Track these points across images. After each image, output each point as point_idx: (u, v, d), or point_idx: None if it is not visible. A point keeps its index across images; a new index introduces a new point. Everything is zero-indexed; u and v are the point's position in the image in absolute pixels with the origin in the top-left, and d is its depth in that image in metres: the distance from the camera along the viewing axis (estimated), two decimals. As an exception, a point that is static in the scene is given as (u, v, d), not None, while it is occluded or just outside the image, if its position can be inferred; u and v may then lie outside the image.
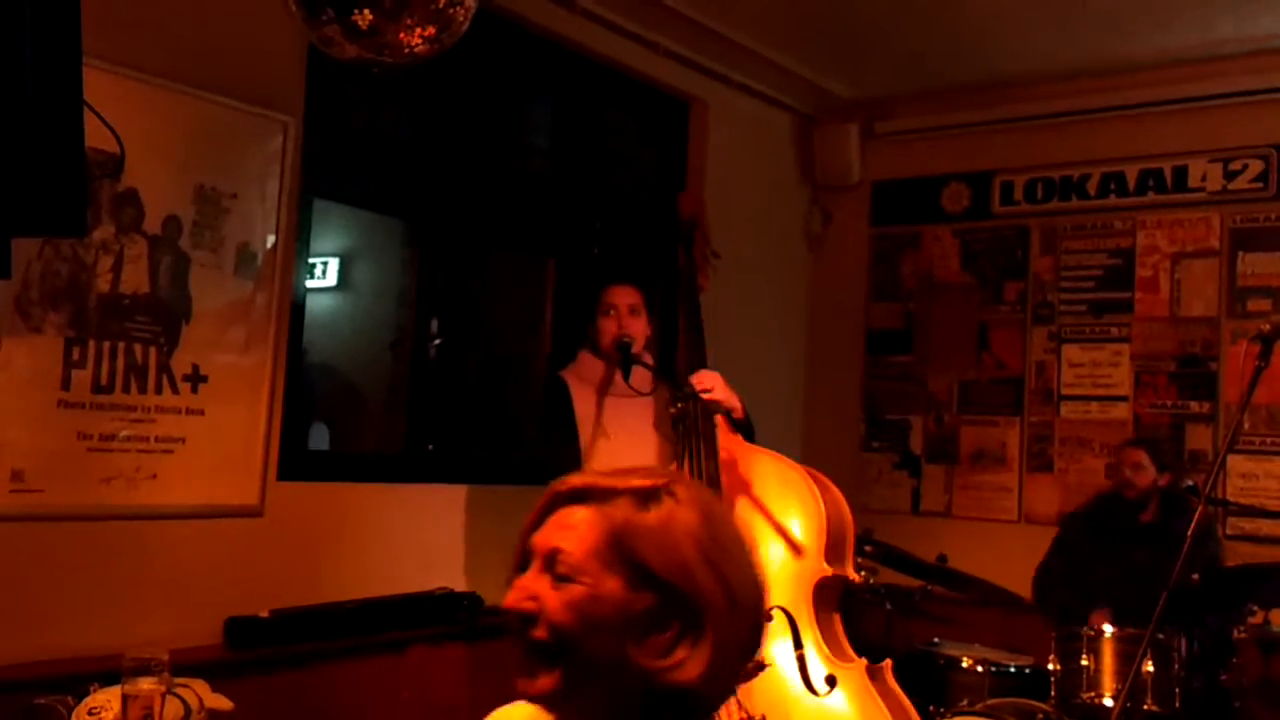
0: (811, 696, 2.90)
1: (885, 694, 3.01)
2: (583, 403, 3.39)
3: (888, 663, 3.08)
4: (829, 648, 2.94)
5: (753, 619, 1.21)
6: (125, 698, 2.35)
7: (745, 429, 3.43)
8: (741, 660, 1.21)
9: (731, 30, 4.76)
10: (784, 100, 5.47)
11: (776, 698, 2.95)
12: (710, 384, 3.24)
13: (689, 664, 1.15)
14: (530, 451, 4.42)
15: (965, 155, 5.44)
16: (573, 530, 1.18)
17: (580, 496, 1.20)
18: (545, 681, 1.17)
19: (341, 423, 4.43)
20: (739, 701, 2.96)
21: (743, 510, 3.12)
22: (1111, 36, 4.64)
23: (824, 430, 5.51)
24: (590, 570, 1.16)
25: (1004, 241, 5.32)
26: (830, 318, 5.73)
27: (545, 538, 1.19)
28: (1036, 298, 5.21)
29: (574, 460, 3.37)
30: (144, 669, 2.35)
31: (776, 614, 2.99)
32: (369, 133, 3.97)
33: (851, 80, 5.40)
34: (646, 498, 1.19)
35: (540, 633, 1.16)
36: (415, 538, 3.78)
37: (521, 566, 1.21)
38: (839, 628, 3.09)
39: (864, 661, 2.99)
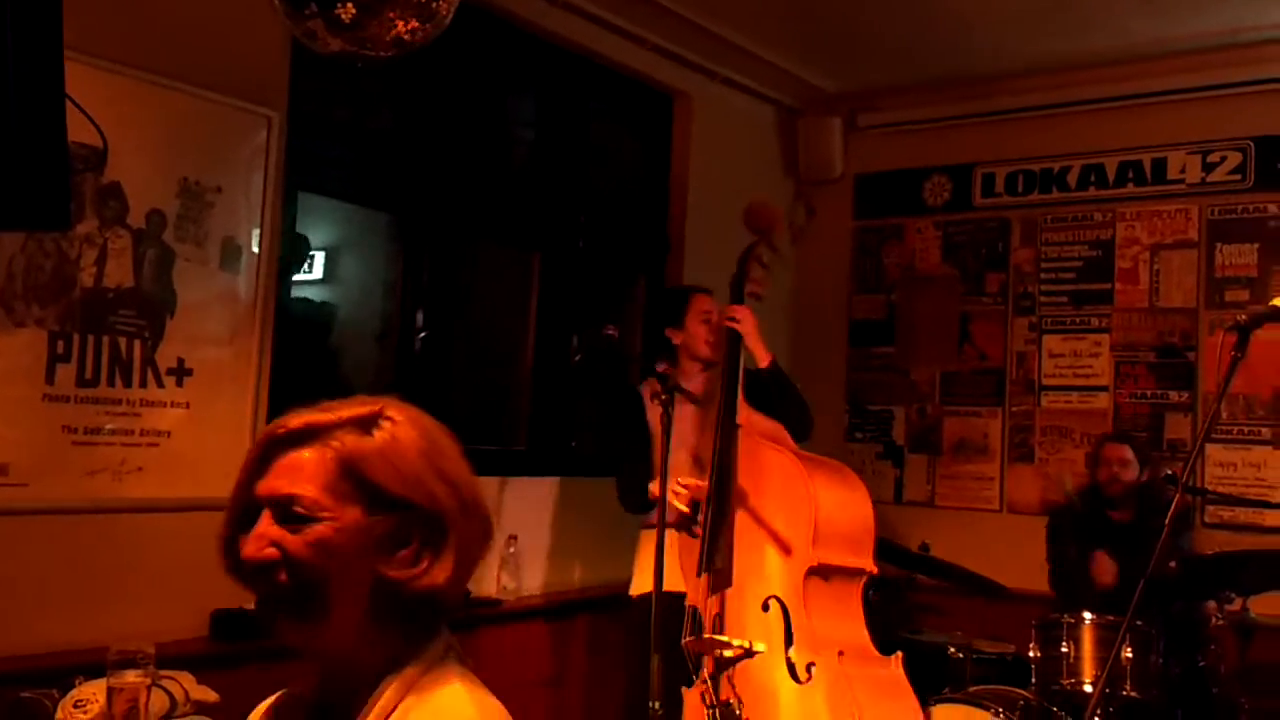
0: (794, 684, 2.92)
1: (888, 684, 3.03)
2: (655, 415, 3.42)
3: (898, 655, 3.10)
4: (819, 638, 2.96)
5: (483, 514, 1.26)
6: (110, 690, 2.36)
7: (776, 382, 3.44)
8: (479, 555, 1.26)
9: (716, 24, 4.77)
10: (768, 94, 5.49)
11: (764, 682, 2.97)
12: (742, 316, 3.32)
13: (435, 569, 1.21)
14: (519, 443, 4.46)
15: (946, 148, 5.47)
16: (301, 471, 1.19)
17: (300, 438, 1.22)
18: (294, 627, 1.19)
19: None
20: (730, 682, 2.99)
21: (742, 497, 3.13)
22: (1091, 30, 4.68)
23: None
24: (329, 505, 1.18)
25: (985, 233, 5.36)
26: (814, 310, 5.76)
27: (272, 485, 1.20)
28: (1017, 289, 5.25)
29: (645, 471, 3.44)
30: (129, 662, 2.36)
31: (771, 603, 3.01)
32: (353, 126, 3.97)
33: (835, 74, 5.43)
34: (366, 424, 1.22)
35: (283, 577, 1.17)
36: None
37: (245, 519, 1.21)
38: (846, 619, 3.09)
39: (866, 651, 3.01)
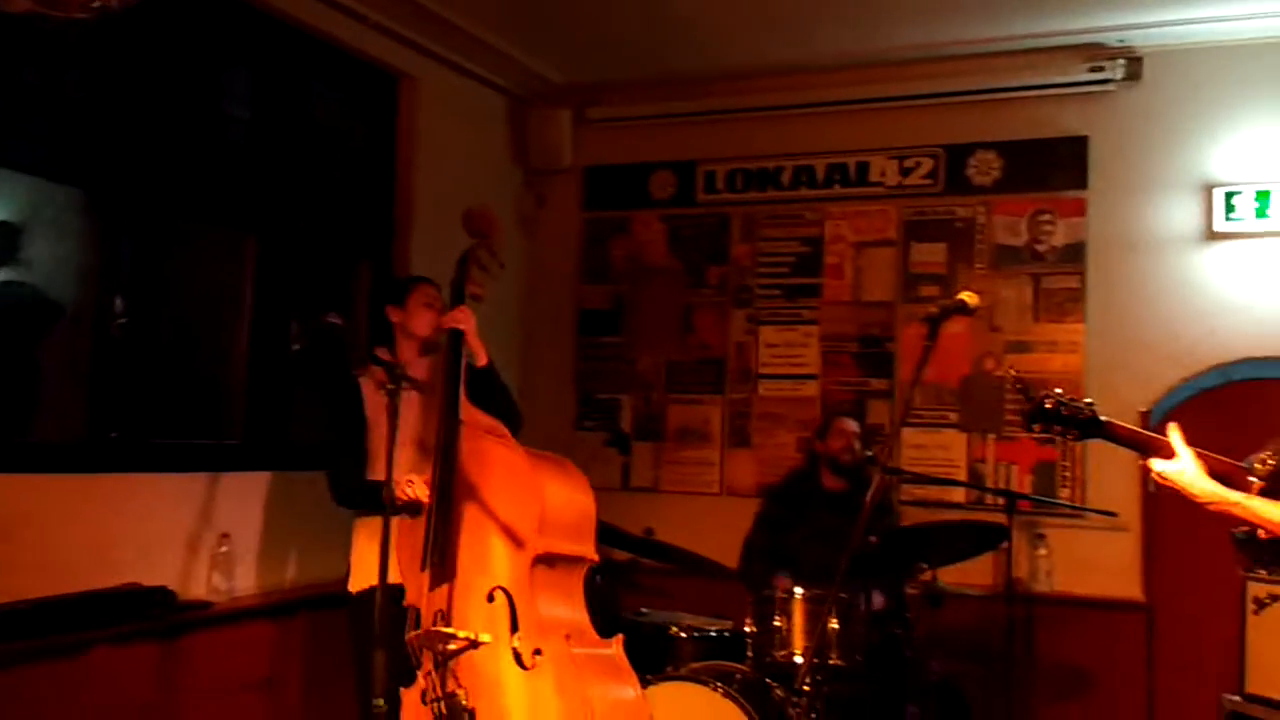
0: (520, 670, 2.93)
1: (611, 666, 3.08)
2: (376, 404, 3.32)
3: (619, 637, 3.15)
4: (545, 624, 2.97)
5: None
6: None
7: (488, 381, 3.45)
8: None
9: (443, 8, 4.70)
10: (497, 81, 5.47)
11: (488, 672, 2.96)
12: (462, 316, 3.36)
13: None
14: (233, 437, 4.22)
15: (672, 144, 5.64)
16: None
17: None
18: None
19: (13, 410, 4.03)
20: (453, 674, 2.96)
21: (467, 491, 3.10)
22: (806, 38, 4.95)
23: (538, 410, 5.55)
24: None
25: (707, 228, 5.57)
26: (544, 299, 5.80)
27: None
28: (736, 282, 5.48)
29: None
30: None
31: (496, 594, 3.00)
32: (43, 93, 3.62)
33: (564, 66, 5.47)
34: None
35: None
36: (99, 532, 3.51)
37: None
38: (569, 605, 3.12)
39: (589, 635, 3.06)
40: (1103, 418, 2.48)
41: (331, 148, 4.83)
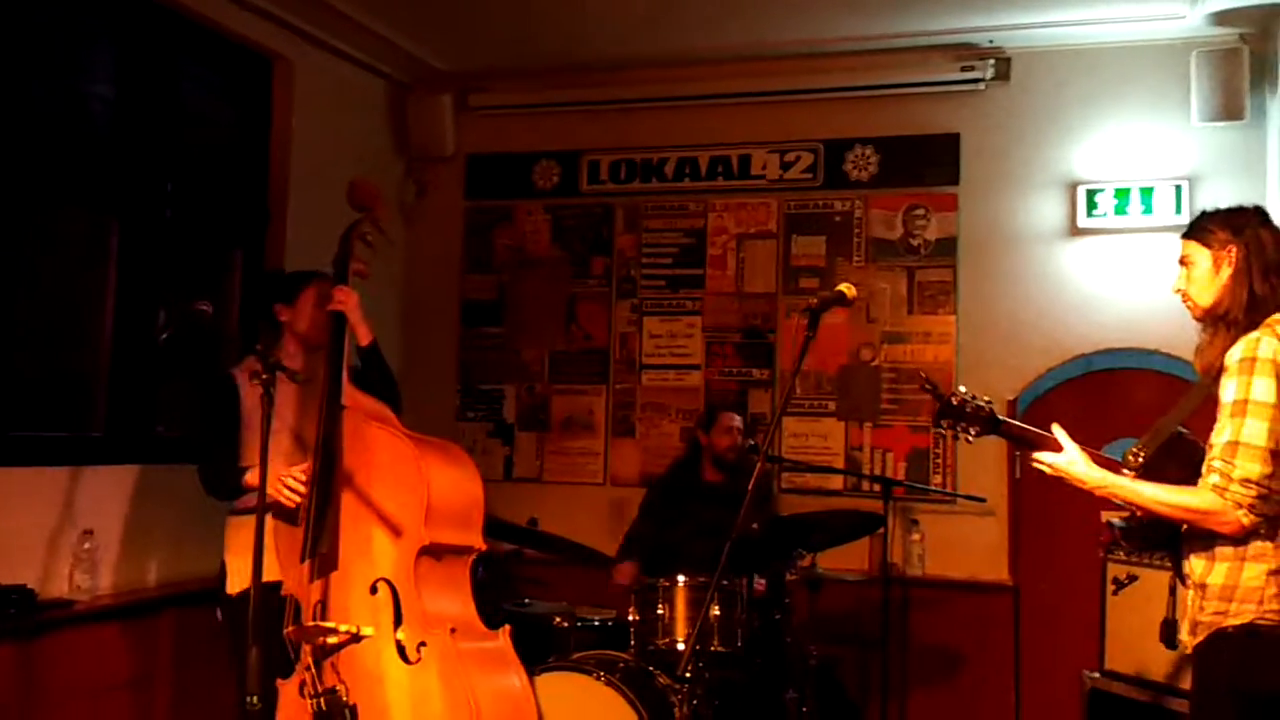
0: (404, 664, 2.88)
1: (497, 657, 3.05)
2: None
3: (505, 629, 3.13)
4: (430, 616, 2.93)
5: None
6: None
7: (372, 361, 3.37)
8: None
9: (319, -12, 4.58)
10: (377, 66, 5.36)
11: (370, 666, 2.90)
12: (345, 296, 3.28)
13: None
14: (95, 429, 4.05)
15: (556, 134, 5.61)
16: None
17: None
18: None
19: None
20: (334, 669, 2.89)
21: (349, 479, 3.03)
22: (690, 32, 4.98)
23: (419, 401, 5.47)
24: None
25: (591, 218, 5.56)
26: (425, 289, 5.71)
27: None
28: (620, 273, 5.49)
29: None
30: None
31: (380, 585, 2.95)
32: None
33: (446, 51, 5.39)
34: None
35: None
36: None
37: None
38: (455, 596, 3.08)
39: (475, 627, 3.03)
40: (1000, 416, 2.64)
41: (202, 130, 4.66)
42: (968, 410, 2.63)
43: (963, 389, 2.67)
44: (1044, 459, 2.57)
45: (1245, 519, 2.34)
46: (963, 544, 4.92)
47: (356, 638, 2.87)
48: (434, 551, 3.00)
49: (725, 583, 3.85)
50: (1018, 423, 2.75)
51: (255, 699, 2.57)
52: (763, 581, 4.15)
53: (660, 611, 3.92)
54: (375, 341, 3.43)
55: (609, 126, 5.53)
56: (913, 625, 4.90)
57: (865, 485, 4.92)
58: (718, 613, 3.87)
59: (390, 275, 5.54)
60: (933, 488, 4.91)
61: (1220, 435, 2.39)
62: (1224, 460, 2.36)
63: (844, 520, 4.30)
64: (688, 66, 5.34)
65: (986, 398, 2.67)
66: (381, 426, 3.09)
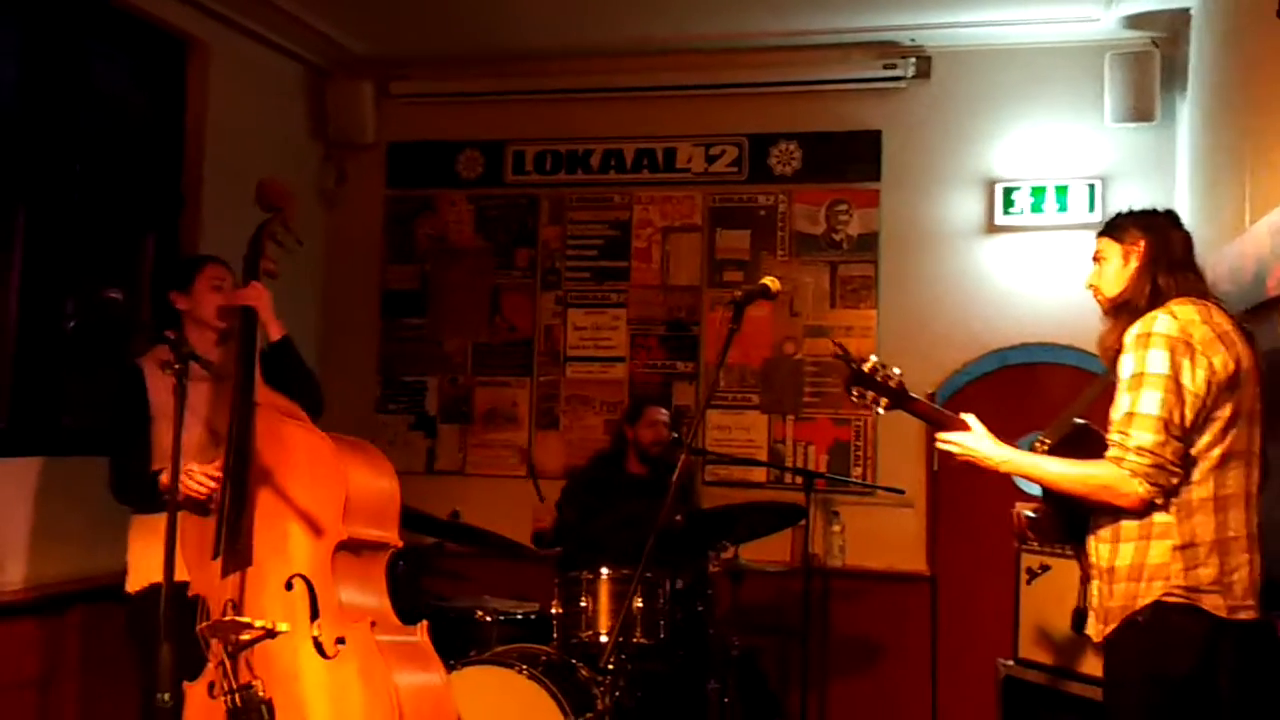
0: (321, 659, 2.83)
1: (415, 653, 3.01)
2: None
3: (423, 624, 3.09)
4: (347, 611, 2.88)
5: None
6: None
7: (285, 358, 3.30)
8: None
9: (236, -31, 4.47)
10: (295, 50, 5.25)
11: (286, 662, 2.85)
12: (256, 293, 3.21)
13: None
14: (1, 421, 3.91)
15: (480, 123, 5.55)
16: None
17: None
18: None
19: None
20: (249, 665, 2.83)
21: (263, 476, 2.96)
22: (616, 22, 4.96)
23: (338, 393, 5.37)
24: None
25: (516, 209, 5.51)
26: (345, 279, 5.62)
27: None
28: (545, 264, 5.46)
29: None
30: None
31: (295, 582, 2.89)
32: None
33: (366, 36, 5.29)
34: None
35: None
36: None
37: None
38: (373, 592, 3.03)
39: (393, 622, 2.98)
40: (910, 392, 2.67)
41: (113, 113, 4.51)
42: (878, 379, 2.64)
43: (874, 358, 2.68)
44: (950, 438, 2.62)
45: (1142, 488, 2.39)
46: (882, 535, 4.99)
47: (271, 633, 2.80)
48: (351, 547, 2.96)
49: (649, 575, 3.86)
50: (925, 401, 2.77)
51: (166, 696, 2.50)
52: (684, 576, 4.16)
53: (583, 604, 3.91)
54: (288, 337, 3.36)
55: (535, 117, 5.48)
56: (833, 615, 4.97)
57: (788, 478, 4.96)
58: (641, 605, 3.87)
59: (308, 265, 5.44)
60: (853, 480, 4.97)
61: (1117, 409, 2.45)
62: (1120, 431, 2.42)
63: (766, 512, 4.34)
64: (614, 58, 5.32)
65: (897, 370, 2.68)
66: (297, 424, 3.04)
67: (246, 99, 4.92)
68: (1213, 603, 2.39)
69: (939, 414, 2.70)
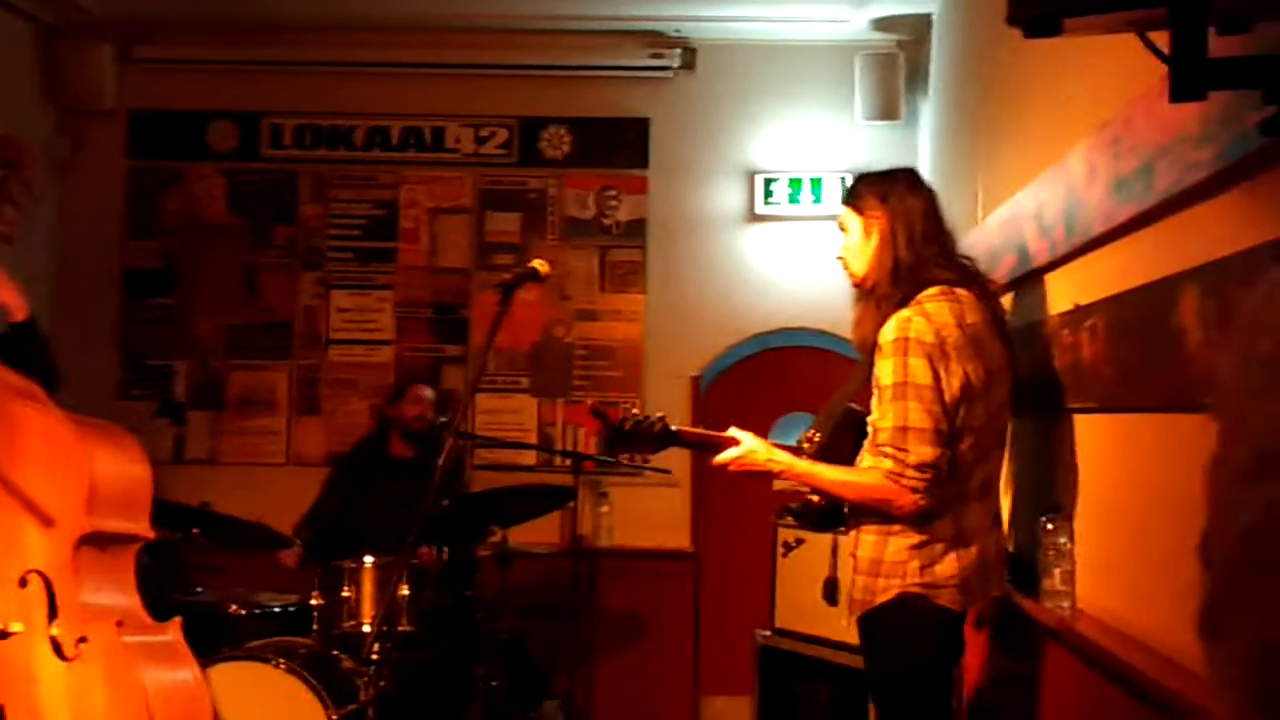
0: (60, 661, 2.62)
1: (167, 651, 2.83)
2: None
3: (176, 620, 2.90)
4: (91, 610, 2.68)
5: None
6: None
7: (27, 338, 3.01)
8: None
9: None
10: (21, 6, 4.81)
11: (20, 665, 2.62)
12: None
13: None
14: None
15: (234, 93, 5.27)
16: None
17: None
18: None
19: None
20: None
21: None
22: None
23: (74, 376, 4.97)
24: None
25: (273, 185, 5.27)
26: (81, 254, 5.22)
27: None
28: (306, 243, 5.25)
29: None
30: None
31: (31, 578, 2.66)
32: None
33: (105, -5, 4.93)
34: None
35: None
36: None
37: None
38: (120, 588, 2.83)
39: (143, 620, 2.79)
40: (674, 427, 2.63)
41: None
42: (641, 431, 2.59)
43: (634, 410, 2.65)
44: (725, 457, 2.55)
45: (922, 500, 2.38)
46: (649, 515, 5.10)
47: (3, 634, 2.57)
48: (96, 540, 2.74)
49: (415, 561, 3.78)
50: (691, 429, 2.76)
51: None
52: (432, 554, 4.07)
53: (346, 594, 3.79)
54: (34, 318, 3.07)
55: (293, 89, 5.26)
56: (601, 595, 5.03)
57: (557, 460, 4.99)
58: (406, 592, 3.79)
59: (39, 237, 5.01)
60: (621, 461, 5.04)
61: (885, 419, 2.39)
62: (896, 447, 2.36)
63: (534, 495, 4.34)
64: (381, 32, 5.17)
65: (660, 414, 2.64)
66: (36, 406, 2.78)
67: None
68: (950, 597, 2.44)
69: (708, 438, 2.66)
